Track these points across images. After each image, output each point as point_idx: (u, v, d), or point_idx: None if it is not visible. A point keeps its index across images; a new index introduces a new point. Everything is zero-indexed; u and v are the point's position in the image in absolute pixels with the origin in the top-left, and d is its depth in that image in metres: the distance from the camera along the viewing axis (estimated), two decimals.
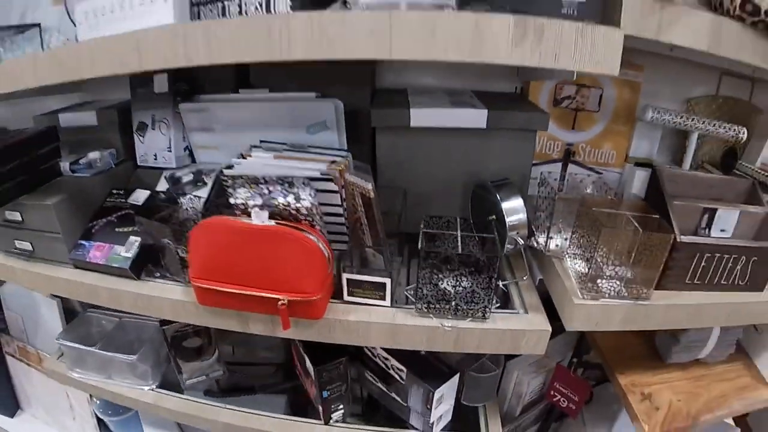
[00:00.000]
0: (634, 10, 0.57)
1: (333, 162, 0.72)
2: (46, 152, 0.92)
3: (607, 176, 0.92)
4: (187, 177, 0.90)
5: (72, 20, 0.83)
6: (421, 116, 0.75)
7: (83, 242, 0.86)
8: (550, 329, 0.71)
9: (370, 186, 0.67)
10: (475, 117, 0.74)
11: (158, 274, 0.84)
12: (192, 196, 0.84)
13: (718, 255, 0.72)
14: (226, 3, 0.67)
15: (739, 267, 0.73)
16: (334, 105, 0.79)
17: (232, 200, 0.67)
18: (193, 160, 0.96)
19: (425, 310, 0.71)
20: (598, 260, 0.71)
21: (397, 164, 0.81)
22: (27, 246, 0.91)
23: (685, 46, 0.62)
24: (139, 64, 0.60)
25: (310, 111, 0.81)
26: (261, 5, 0.63)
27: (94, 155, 0.92)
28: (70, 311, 1.21)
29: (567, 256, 0.78)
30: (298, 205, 0.65)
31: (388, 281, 0.71)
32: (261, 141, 0.82)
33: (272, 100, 0.84)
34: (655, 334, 0.96)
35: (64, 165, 0.94)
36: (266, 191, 0.66)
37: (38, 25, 0.87)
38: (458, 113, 0.75)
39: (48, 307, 1.18)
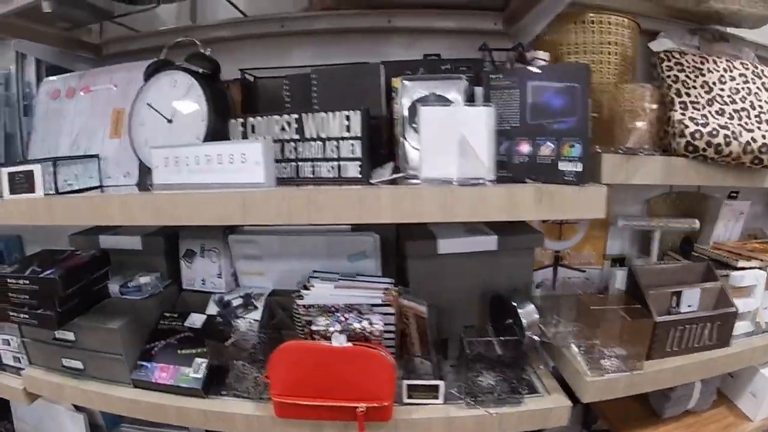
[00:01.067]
0: (609, 167, 0.83)
1: (386, 289, 0.90)
2: (99, 275, 1.02)
3: (590, 273, 1.16)
4: (237, 301, 1.02)
5: (137, 155, 0.90)
6: (447, 245, 0.95)
7: (144, 363, 0.95)
8: (570, 404, 0.90)
9: (424, 308, 0.87)
10: (488, 242, 0.96)
11: (224, 392, 0.92)
12: (251, 320, 0.95)
13: (689, 326, 0.96)
14: (299, 164, 0.85)
15: (706, 331, 0.98)
16: (373, 238, 0.97)
17: (314, 327, 0.82)
18: (237, 284, 1.07)
19: (473, 403, 0.88)
20: (600, 346, 0.94)
21: (425, 283, 0.97)
22: (77, 365, 0.98)
23: (647, 183, 0.88)
24: (243, 218, 0.74)
25: (352, 243, 0.99)
26: (333, 168, 0.82)
27: (145, 279, 1.01)
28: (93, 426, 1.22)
29: (572, 344, 0.98)
30: (372, 329, 0.82)
31: (441, 383, 0.88)
32: (314, 271, 0.96)
33: (316, 233, 1.00)
34: (649, 395, 1.14)
35: (113, 287, 1.02)
36: (343, 318, 0.82)
37: (96, 156, 0.96)
38: (475, 240, 0.96)
39: (73, 421, 1.17)
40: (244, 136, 0.87)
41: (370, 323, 0.82)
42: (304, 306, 0.85)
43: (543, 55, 0.97)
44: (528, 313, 0.93)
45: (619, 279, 1.05)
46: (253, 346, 0.90)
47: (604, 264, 1.16)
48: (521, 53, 0.95)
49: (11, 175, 0.89)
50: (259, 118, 0.86)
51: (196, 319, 0.99)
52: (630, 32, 1.02)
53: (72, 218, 0.84)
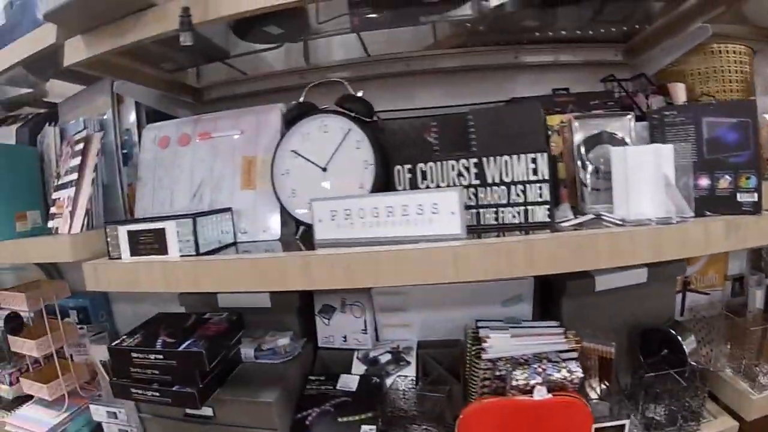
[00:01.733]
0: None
1: (562, 334, 0.86)
2: (235, 341, 0.96)
3: (713, 295, 1.18)
4: (384, 357, 0.98)
5: (285, 208, 0.85)
6: (603, 282, 0.94)
7: None
8: (737, 424, 0.92)
9: (612, 349, 0.86)
10: (640, 275, 0.96)
11: None
12: (405, 377, 0.90)
13: None
14: (480, 210, 0.82)
15: None
16: (530, 280, 0.96)
17: (514, 382, 0.78)
18: (377, 338, 1.01)
19: None
20: (753, 364, 0.97)
21: (578, 321, 0.94)
22: None
23: None
24: (456, 275, 0.69)
25: (507, 288, 0.96)
26: (519, 213, 0.80)
27: (283, 341, 0.95)
28: None
29: (727, 367, 1.00)
30: (572, 377, 0.80)
31: (627, 422, 0.86)
32: (477, 320, 0.92)
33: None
34: None
35: (246, 350, 0.94)
36: (541, 369, 0.80)
37: (230, 209, 0.89)
38: (628, 274, 0.96)
39: None
40: (413, 184, 0.83)
41: (569, 371, 0.80)
42: (490, 360, 0.83)
43: (680, 87, 1.03)
44: (690, 342, 0.95)
45: (759, 298, 1.10)
46: (420, 407, 0.85)
47: (724, 285, 1.20)
48: (663, 86, 1.01)
49: (133, 234, 0.80)
50: (431, 163, 0.82)
51: (348, 381, 0.93)
52: (749, 58, 1.07)
53: (226, 284, 0.75)
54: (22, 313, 1.12)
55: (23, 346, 1.09)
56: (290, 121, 0.88)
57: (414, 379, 0.93)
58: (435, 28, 1.03)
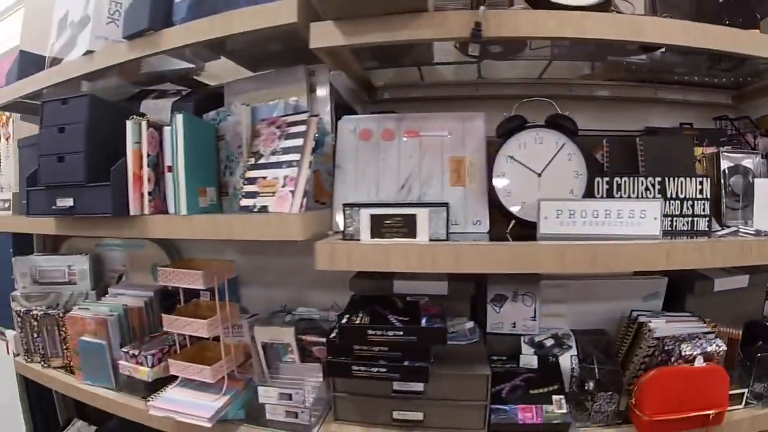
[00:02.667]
0: None
1: (702, 320, 1.18)
2: None
3: None
4: (548, 341, 1.22)
5: (503, 205, 1.05)
6: (720, 284, 1.27)
7: (502, 407, 1.07)
8: None
9: (740, 332, 1.22)
10: (743, 280, 1.30)
11: (578, 423, 1.09)
12: (570, 357, 1.17)
13: None
14: (674, 220, 1.11)
15: None
16: (664, 280, 1.27)
17: (682, 353, 1.06)
18: None
19: None
20: None
21: (699, 313, 1.22)
22: (416, 416, 1.07)
23: None
24: (667, 263, 0.93)
25: (647, 286, 1.26)
26: (687, 223, 1.12)
27: (469, 325, 1.16)
28: None
29: None
30: (719, 350, 1.11)
31: (745, 390, 1.21)
32: (632, 310, 1.21)
33: (615, 277, 1.26)
34: None
35: None
36: (699, 344, 1.11)
37: (447, 204, 0.99)
38: (736, 279, 1.29)
39: None
40: (609, 194, 1.08)
41: (717, 346, 1.12)
42: (657, 338, 1.13)
43: None
44: None
45: None
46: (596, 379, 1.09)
47: None
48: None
49: (377, 217, 0.96)
50: (625, 177, 1.09)
51: (529, 360, 1.16)
52: None
53: (485, 265, 0.92)
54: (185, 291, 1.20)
55: (187, 325, 1.16)
56: (507, 131, 1.09)
57: (578, 359, 1.17)
58: (593, 62, 1.35)
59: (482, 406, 1.07)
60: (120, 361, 1.26)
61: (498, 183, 1.10)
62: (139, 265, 1.59)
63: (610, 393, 1.11)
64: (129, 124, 1.12)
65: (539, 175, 1.10)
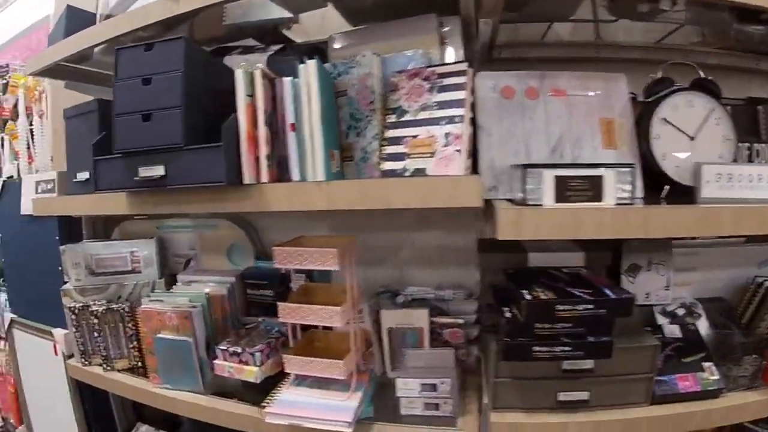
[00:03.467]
0: None
1: None
2: None
3: None
4: (680, 311, 0.97)
5: (659, 166, 0.82)
6: None
7: (660, 378, 0.83)
8: None
9: None
10: None
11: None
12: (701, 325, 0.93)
13: None
14: None
15: None
16: None
17: None
18: None
19: None
20: None
21: None
22: (582, 396, 0.80)
23: None
24: None
25: (763, 252, 1.03)
26: None
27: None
28: None
29: None
30: None
31: None
32: (755, 276, 0.99)
33: (736, 244, 1.02)
34: None
35: None
36: None
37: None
38: None
39: None
40: (750, 159, 0.90)
41: None
42: None
43: None
44: None
45: None
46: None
47: None
48: None
49: (562, 179, 0.69)
50: (763, 144, 0.91)
51: (672, 330, 0.92)
52: None
53: (673, 230, 0.69)
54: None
55: (313, 314, 0.81)
56: (654, 92, 0.85)
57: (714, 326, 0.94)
58: (704, 30, 1.11)
59: (647, 378, 0.82)
60: (216, 361, 0.89)
61: (654, 146, 0.83)
62: (211, 248, 1.18)
63: (754, 356, 0.89)
64: (239, 73, 0.75)
65: (692, 138, 0.84)
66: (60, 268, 1.19)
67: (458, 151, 0.73)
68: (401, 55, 0.83)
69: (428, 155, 0.75)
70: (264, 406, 0.82)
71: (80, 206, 1.02)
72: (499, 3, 0.77)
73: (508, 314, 0.76)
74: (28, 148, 1.47)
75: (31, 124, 1.48)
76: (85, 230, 1.24)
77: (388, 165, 0.77)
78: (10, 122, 1.58)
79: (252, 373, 0.86)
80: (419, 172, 0.75)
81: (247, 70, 0.75)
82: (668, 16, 0.96)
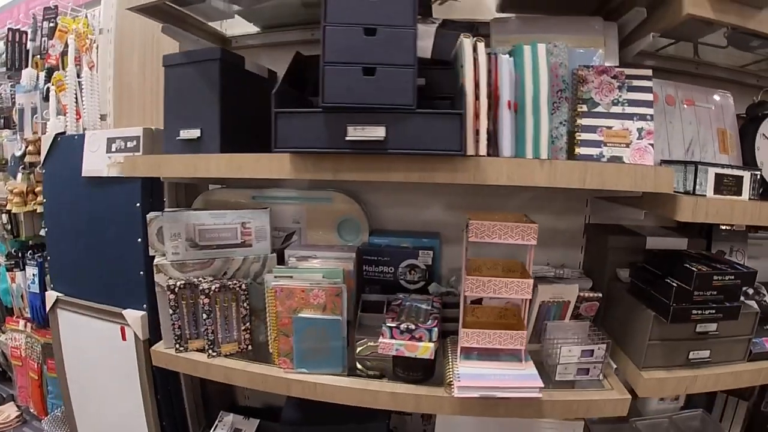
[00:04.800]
0: None
1: None
2: None
3: None
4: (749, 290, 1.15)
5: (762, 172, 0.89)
6: None
7: (755, 340, 0.95)
8: None
9: None
10: None
11: None
12: None
13: None
14: None
15: None
16: None
17: None
18: None
19: None
20: None
21: None
22: (705, 354, 0.90)
23: None
24: None
25: None
26: None
27: None
28: None
29: None
30: None
31: None
32: None
33: None
34: None
35: None
36: None
37: None
38: None
39: None
40: None
41: None
42: None
43: None
44: None
45: None
46: None
47: None
48: None
49: (720, 176, 0.80)
50: None
51: (751, 303, 1.03)
52: None
53: None
54: None
55: (505, 287, 0.77)
56: (756, 112, 0.99)
57: None
58: None
59: (748, 339, 0.95)
60: (383, 339, 0.82)
61: (756, 155, 0.99)
62: (319, 222, 1.06)
63: None
64: (467, 42, 0.71)
65: None
66: (140, 239, 0.99)
67: (651, 144, 0.79)
68: (585, 51, 0.86)
69: (624, 145, 0.79)
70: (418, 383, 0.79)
71: (198, 167, 0.85)
72: (675, 19, 0.85)
73: (674, 284, 0.84)
74: (76, 102, 1.19)
75: (78, 76, 1.20)
76: (167, 198, 1.04)
77: (584, 150, 0.80)
78: (57, 72, 1.26)
79: (427, 349, 0.80)
80: (616, 159, 0.78)
81: (471, 41, 0.72)
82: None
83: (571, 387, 0.88)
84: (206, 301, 0.89)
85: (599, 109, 0.81)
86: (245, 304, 0.91)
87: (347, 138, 0.68)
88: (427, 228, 1.06)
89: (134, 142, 0.97)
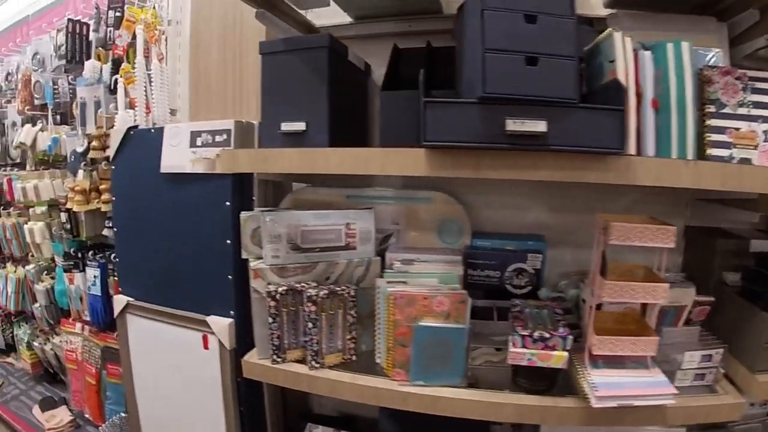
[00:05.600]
0: None
1: None
2: None
3: None
4: None
5: None
6: None
7: None
8: None
9: None
10: None
11: None
12: None
13: None
14: None
15: None
16: None
17: None
18: None
19: None
20: None
21: None
22: None
23: None
24: None
25: None
26: None
27: None
28: None
29: None
30: None
31: None
32: None
33: None
34: None
35: None
36: None
37: None
38: None
39: None
40: None
41: None
42: None
43: None
44: None
45: None
46: None
47: None
48: None
49: None
50: None
51: None
52: None
53: None
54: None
55: (647, 293, 0.75)
56: None
57: None
58: None
59: None
60: (514, 349, 0.77)
61: None
62: (419, 223, 0.99)
63: None
64: (617, 36, 0.68)
65: None
66: (229, 241, 0.92)
67: None
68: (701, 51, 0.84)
69: (752, 147, 0.77)
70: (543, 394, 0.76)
71: (316, 162, 0.78)
72: None
73: None
74: (146, 95, 1.12)
75: (147, 69, 1.12)
76: (256, 197, 0.96)
77: (715, 151, 0.77)
78: (124, 63, 1.18)
79: (561, 358, 0.76)
80: (745, 162, 0.76)
81: (611, 35, 0.69)
82: None
83: (688, 393, 0.84)
84: (312, 308, 0.82)
85: (727, 110, 0.79)
86: (352, 312, 0.85)
87: (506, 131, 0.64)
88: (529, 230, 1.02)
89: (224, 136, 0.90)
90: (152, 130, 1.02)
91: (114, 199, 1.10)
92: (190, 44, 1.11)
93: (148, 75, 1.13)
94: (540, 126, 0.63)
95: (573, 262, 1.02)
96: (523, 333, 0.76)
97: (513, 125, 0.63)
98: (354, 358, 0.86)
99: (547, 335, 0.75)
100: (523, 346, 0.76)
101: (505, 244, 0.94)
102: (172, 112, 1.16)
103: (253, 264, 0.84)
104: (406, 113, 0.79)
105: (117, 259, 1.11)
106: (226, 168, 0.83)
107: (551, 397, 0.78)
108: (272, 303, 0.82)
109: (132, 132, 1.05)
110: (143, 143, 1.01)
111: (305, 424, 1.01)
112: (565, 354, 0.75)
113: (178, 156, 0.95)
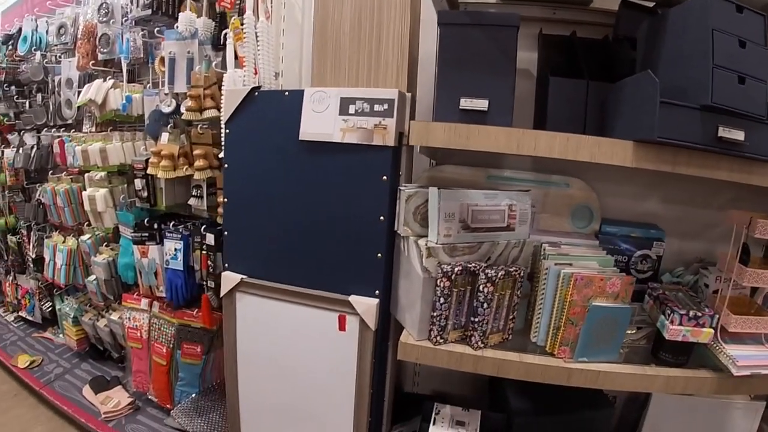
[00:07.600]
0: None
1: None
2: None
3: None
4: None
5: None
6: None
7: None
8: None
9: None
10: None
11: None
12: None
13: None
14: None
15: None
16: None
17: None
18: None
19: None
20: None
21: None
22: None
23: None
24: None
25: None
26: None
27: None
28: None
29: None
30: None
31: None
32: None
33: None
34: None
35: None
36: None
37: None
38: None
39: None
40: None
41: None
42: None
43: None
44: None
45: None
46: None
47: None
48: None
49: None
50: None
51: None
52: None
53: None
54: None
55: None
56: None
57: None
58: None
59: None
60: (672, 326, 0.99)
61: None
62: (554, 207, 1.15)
63: None
64: None
65: None
66: (382, 217, 1.00)
67: None
68: None
69: None
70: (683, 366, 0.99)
71: (523, 143, 0.88)
72: None
73: None
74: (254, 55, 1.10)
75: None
76: (403, 172, 1.04)
77: None
78: (235, 17, 1.13)
79: (708, 334, 0.98)
80: None
81: None
82: None
83: None
84: (491, 288, 0.96)
85: None
86: (518, 292, 1.00)
87: (718, 137, 0.84)
88: (646, 219, 1.25)
89: (385, 106, 0.97)
90: (286, 93, 1.04)
91: (227, 166, 1.10)
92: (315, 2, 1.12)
93: (256, 33, 1.14)
94: (739, 135, 0.84)
95: (678, 250, 1.25)
96: (681, 312, 0.97)
97: (723, 132, 0.83)
98: (511, 337, 1.02)
99: (699, 314, 0.98)
100: (680, 324, 0.97)
101: (631, 232, 1.15)
102: (276, 76, 1.17)
103: (430, 243, 0.95)
104: (573, 100, 0.95)
105: (225, 233, 1.12)
106: (416, 141, 0.91)
107: (689, 369, 1.01)
108: (446, 283, 0.94)
109: (257, 93, 1.06)
110: (270, 107, 1.02)
111: (430, 404, 1.14)
112: (712, 331, 0.98)
113: (323, 123, 1.00)
